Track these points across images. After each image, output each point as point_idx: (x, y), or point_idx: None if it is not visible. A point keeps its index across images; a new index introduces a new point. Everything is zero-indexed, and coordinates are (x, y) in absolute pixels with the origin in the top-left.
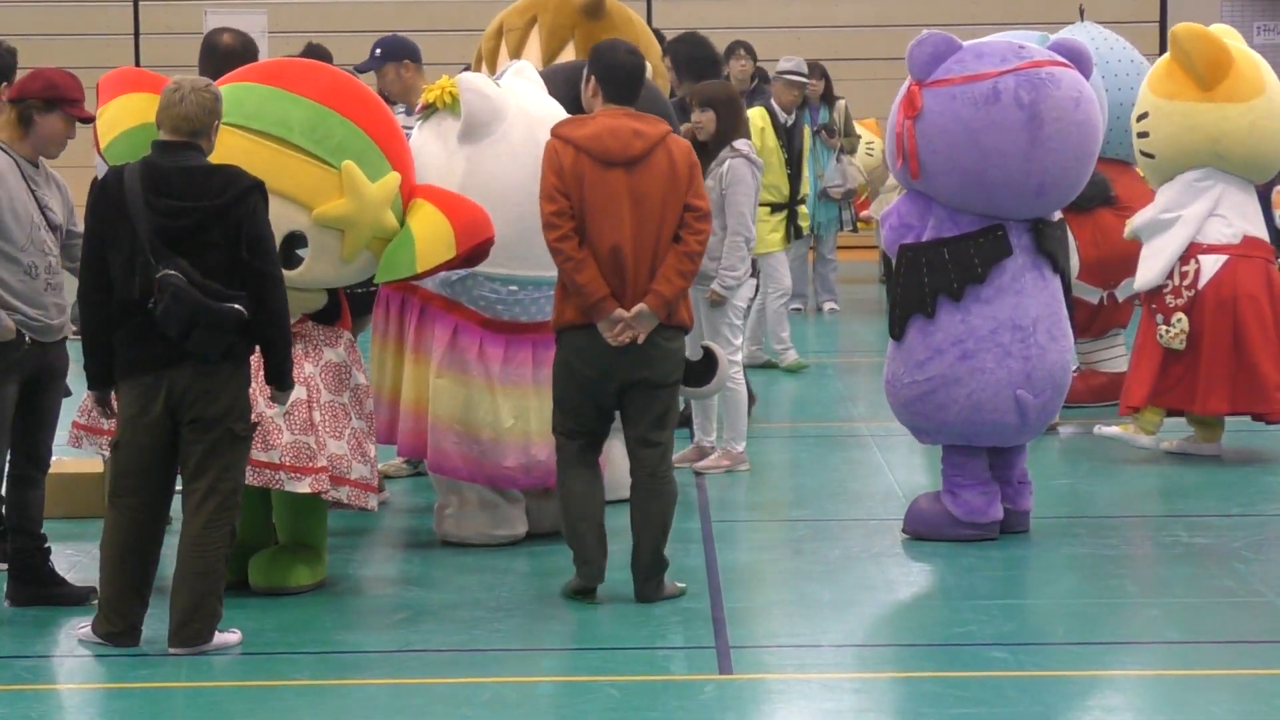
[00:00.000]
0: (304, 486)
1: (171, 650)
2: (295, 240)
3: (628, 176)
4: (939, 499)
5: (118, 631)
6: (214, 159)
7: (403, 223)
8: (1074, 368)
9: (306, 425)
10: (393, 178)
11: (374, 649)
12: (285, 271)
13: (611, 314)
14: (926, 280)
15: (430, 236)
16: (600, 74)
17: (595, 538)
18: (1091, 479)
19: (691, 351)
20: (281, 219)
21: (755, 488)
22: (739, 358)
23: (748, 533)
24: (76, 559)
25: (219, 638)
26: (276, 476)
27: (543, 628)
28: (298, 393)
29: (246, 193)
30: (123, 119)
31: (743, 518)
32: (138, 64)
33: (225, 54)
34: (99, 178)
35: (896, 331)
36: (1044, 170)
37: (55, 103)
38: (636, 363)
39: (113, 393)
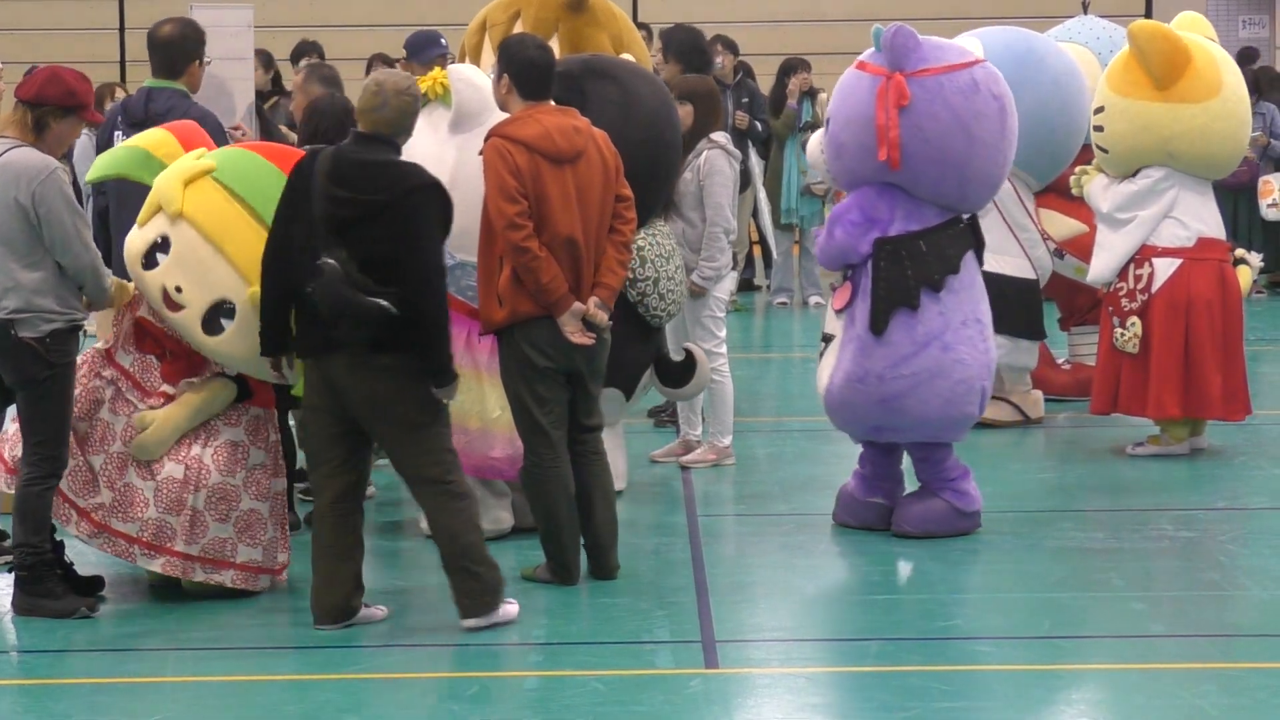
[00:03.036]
0: (155, 565)
1: (465, 624)
2: (223, 310)
3: (573, 172)
4: (937, 496)
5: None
6: (189, 206)
7: None
8: (1062, 360)
9: (175, 504)
10: None
11: (358, 643)
12: (203, 334)
13: (573, 308)
14: (910, 272)
15: None
16: (515, 72)
17: (576, 544)
18: (1077, 472)
19: (673, 351)
20: (221, 282)
21: (741, 482)
22: (723, 350)
23: (734, 527)
24: None
25: (365, 612)
26: (130, 550)
27: (528, 622)
28: (172, 470)
29: (412, 191)
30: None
31: (729, 512)
32: (123, 59)
33: (164, 44)
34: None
35: (880, 326)
36: (1005, 162)
37: (73, 109)
38: (591, 353)
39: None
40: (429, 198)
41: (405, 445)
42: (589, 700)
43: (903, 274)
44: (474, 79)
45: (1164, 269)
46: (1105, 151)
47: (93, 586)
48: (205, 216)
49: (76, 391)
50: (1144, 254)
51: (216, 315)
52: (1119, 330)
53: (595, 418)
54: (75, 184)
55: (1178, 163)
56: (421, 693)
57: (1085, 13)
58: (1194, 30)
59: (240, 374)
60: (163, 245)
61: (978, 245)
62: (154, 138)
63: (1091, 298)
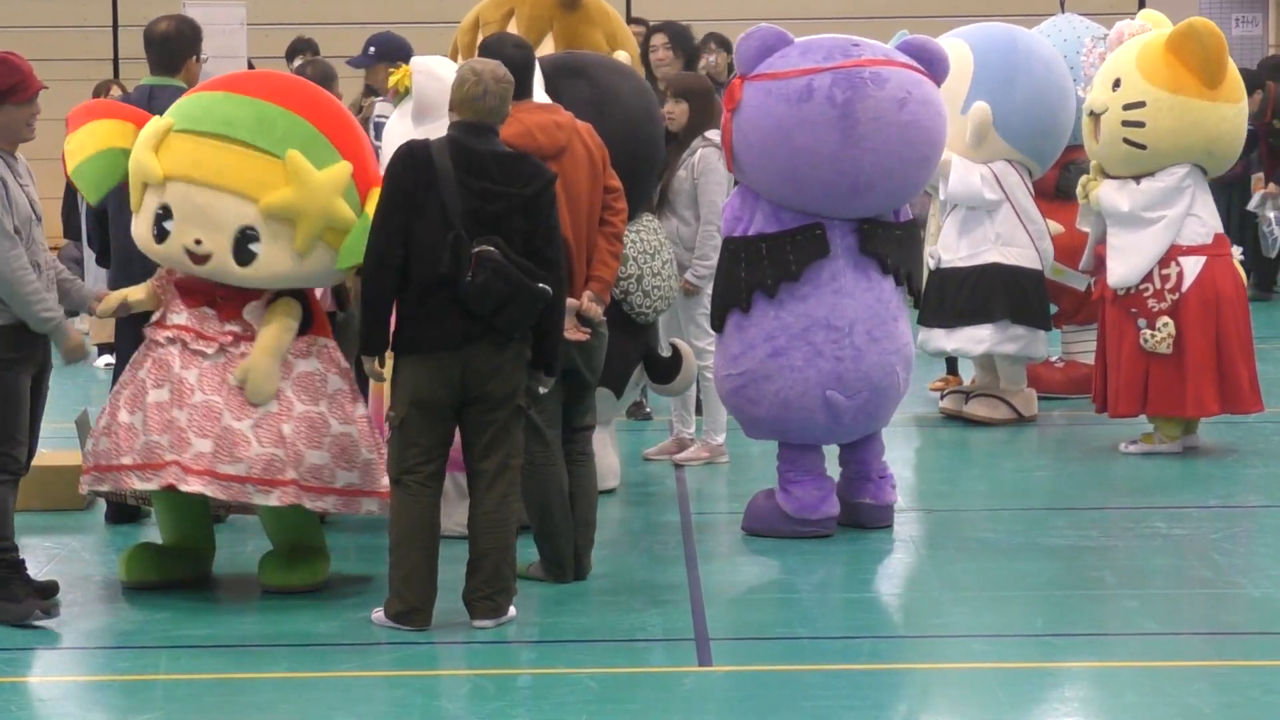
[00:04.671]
0: (272, 499)
1: (476, 623)
2: (248, 236)
3: (558, 168)
4: (773, 496)
5: (407, 611)
6: (167, 165)
7: (360, 213)
8: (1055, 358)
9: (277, 439)
10: (342, 167)
11: (351, 641)
12: (240, 269)
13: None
14: (743, 275)
15: None
16: None
17: (570, 544)
18: (1070, 470)
19: (663, 347)
20: (231, 214)
21: (735, 480)
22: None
23: (727, 524)
24: (56, 552)
25: (510, 611)
26: (245, 489)
27: (521, 619)
28: (270, 406)
29: (548, 184)
30: (87, 145)
31: (722, 510)
32: (116, 57)
33: (163, 40)
34: (404, 147)
35: (716, 324)
36: (858, 171)
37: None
38: (587, 349)
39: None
40: (555, 190)
41: (506, 434)
42: (582, 698)
43: (736, 275)
44: (434, 69)
45: (1192, 267)
46: (1142, 148)
47: (47, 591)
48: (186, 166)
49: (145, 367)
50: (1171, 254)
51: (243, 245)
52: (1148, 332)
53: (587, 418)
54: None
55: (1212, 161)
56: (415, 690)
57: (1063, 10)
58: (1158, 26)
59: (305, 306)
60: (165, 213)
61: (879, 253)
62: (114, 132)
63: (1075, 300)
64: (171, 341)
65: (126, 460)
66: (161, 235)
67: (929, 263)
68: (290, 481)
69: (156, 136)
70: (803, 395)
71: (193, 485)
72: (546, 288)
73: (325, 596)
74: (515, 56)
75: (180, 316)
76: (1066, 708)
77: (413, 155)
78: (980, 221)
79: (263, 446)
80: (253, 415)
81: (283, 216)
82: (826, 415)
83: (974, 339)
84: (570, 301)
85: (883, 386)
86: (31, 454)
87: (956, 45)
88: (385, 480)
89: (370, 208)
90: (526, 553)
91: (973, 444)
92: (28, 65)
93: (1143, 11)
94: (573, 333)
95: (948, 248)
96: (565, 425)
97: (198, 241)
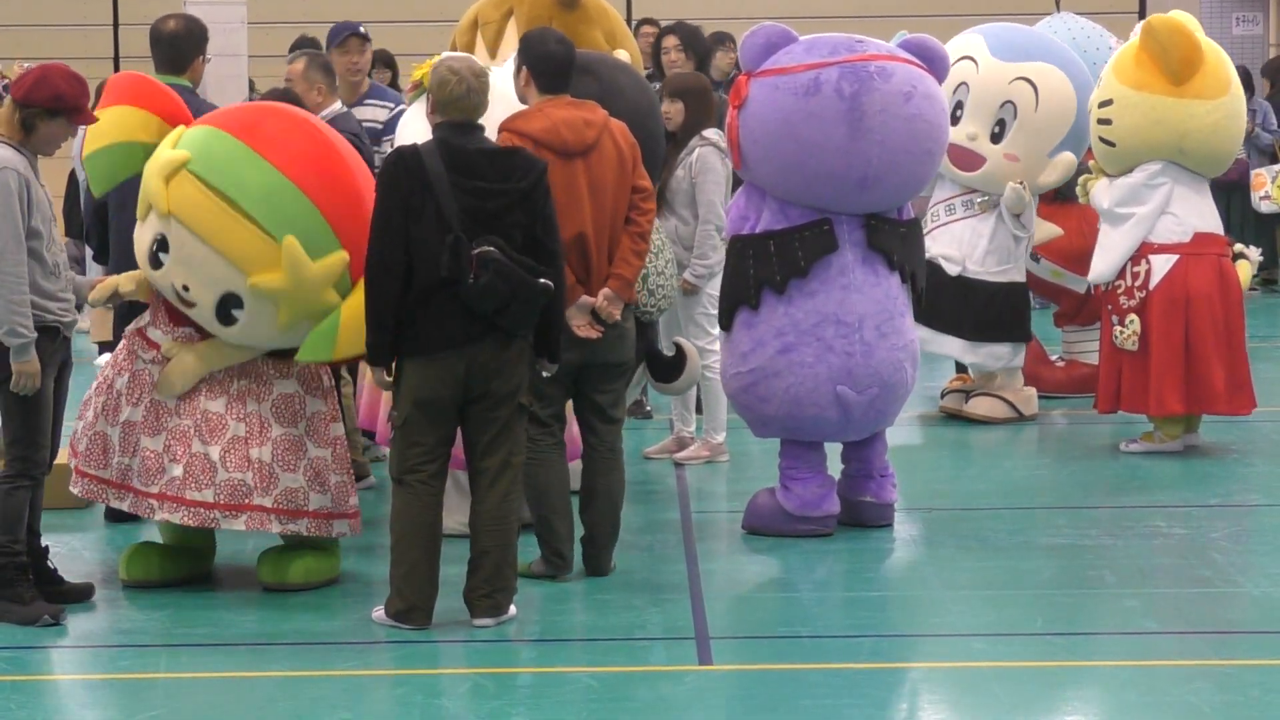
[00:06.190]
0: (239, 524)
1: (476, 621)
2: (230, 301)
3: (584, 165)
4: (773, 494)
5: (407, 609)
6: (174, 203)
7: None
8: (1056, 358)
9: (243, 463)
10: (338, 259)
11: (352, 639)
12: (222, 327)
13: (580, 301)
14: (752, 272)
15: (354, 324)
16: (532, 64)
17: (569, 529)
18: (1071, 469)
19: (664, 346)
20: (220, 276)
21: (735, 478)
22: (716, 347)
23: (727, 523)
24: (56, 550)
25: (511, 609)
26: (211, 515)
27: (521, 618)
28: (235, 430)
29: (541, 175)
30: (108, 132)
31: (722, 508)
32: (117, 55)
33: (171, 39)
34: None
35: (724, 322)
36: (866, 163)
37: (61, 112)
38: (603, 345)
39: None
40: (548, 181)
41: (509, 432)
42: (582, 696)
43: (745, 272)
44: None
45: (1161, 265)
46: (1111, 145)
47: (81, 594)
48: (190, 213)
49: (125, 378)
50: (1141, 251)
51: (227, 308)
52: (1118, 328)
53: (613, 411)
54: (74, 177)
55: (1186, 159)
56: (415, 689)
57: (1058, 9)
58: None
59: None
60: (163, 244)
61: (886, 249)
62: (130, 122)
63: (1073, 302)
64: (151, 363)
65: (106, 475)
66: (157, 263)
67: (948, 269)
68: (256, 506)
69: (170, 167)
70: (813, 391)
71: (160, 514)
72: (549, 283)
73: (326, 595)
74: (557, 52)
75: (164, 336)
76: (1067, 706)
77: (403, 160)
78: (1006, 239)
79: (228, 472)
80: (220, 440)
81: (269, 297)
82: (837, 411)
83: (995, 355)
84: (585, 300)
85: (892, 383)
86: (54, 454)
87: (1059, 80)
88: (354, 500)
89: (350, 298)
90: (527, 552)
91: (973, 443)
92: None
93: (1173, 12)
94: (584, 330)
95: (973, 259)
96: (589, 419)
97: (185, 288)
